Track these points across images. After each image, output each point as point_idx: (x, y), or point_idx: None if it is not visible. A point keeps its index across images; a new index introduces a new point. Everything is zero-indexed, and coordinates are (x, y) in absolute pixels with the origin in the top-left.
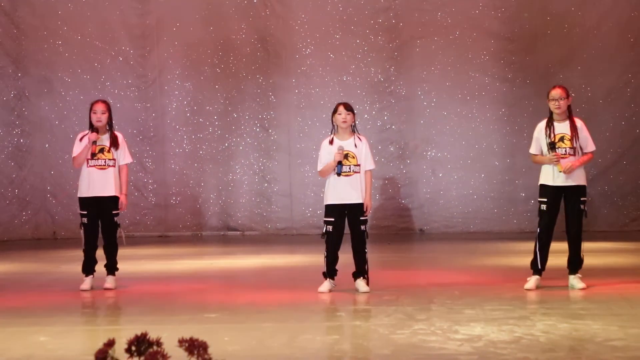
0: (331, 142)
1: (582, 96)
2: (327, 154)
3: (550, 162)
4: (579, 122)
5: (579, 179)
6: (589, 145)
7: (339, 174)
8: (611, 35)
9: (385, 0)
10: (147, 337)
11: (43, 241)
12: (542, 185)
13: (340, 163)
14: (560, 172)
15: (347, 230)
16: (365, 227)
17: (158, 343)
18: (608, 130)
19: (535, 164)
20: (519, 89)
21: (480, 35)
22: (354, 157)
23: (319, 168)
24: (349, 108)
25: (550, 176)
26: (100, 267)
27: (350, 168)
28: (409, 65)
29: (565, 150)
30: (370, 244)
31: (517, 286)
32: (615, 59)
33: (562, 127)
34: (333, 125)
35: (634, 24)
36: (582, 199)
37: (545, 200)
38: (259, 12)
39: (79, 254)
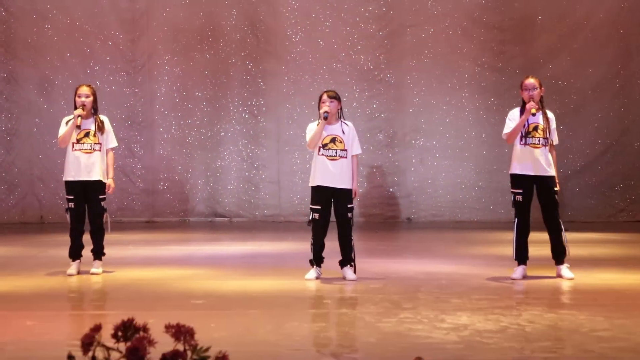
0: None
1: (571, 87)
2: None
3: (527, 113)
4: (550, 114)
5: (548, 169)
6: (555, 139)
7: (325, 119)
8: (601, 26)
9: None
10: (134, 322)
11: (30, 225)
12: (513, 175)
13: (326, 113)
14: (533, 113)
15: (332, 218)
16: (352, 215)
17: (144, 329)
18: (597, 121)
19: (510, 148)
20: (508, 78)
21: (471, 25)
22: (341, 142)
23: (308, 139)
24: (333, 96)
25: (521, 165)
26: (87, 252)
27: (336, 152)
28: (399, 54)
29: (539, 140)
30: (358, 232)
31: (504, 276)
32: (605, 50)
33: (535, 118)
34: (319, 113)
35: (624, 16)
36: (554, 188)
37: (519, 190)
38: None
39: (66, 239)
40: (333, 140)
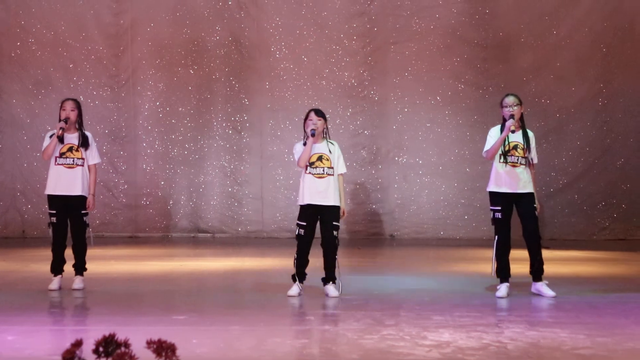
0: (305, 144)
1: (554, 105)
2: (302, 149)
3: (507, 130)
4: (530, 133)
5: (527, 186)
6: (534, 157)
7: (313, 135)
8: (584, 44)
9: (360, 5)
10: (115, 338)
11: (12, 240)
12: (492, 193)
13: (313, 130)
14: (513, 130)
15: (317, 234)
16: (337, 233)
17: (126, 344)
18: (579, 139)
19: (490, 161)
20: (491, 96)
21: (454, 42)
22: (327, 160)
23: (297, 158)
24: (319, 114)
25: (500, 183)
26: (68, 267)
27: (324, 170)
28: (383, 70)
29: (518, 159)
30: (340, 248)
31: (486, 293)
32: (587, 69)
33: (515, 136)
34: (305, 131)
35: (606, 34)
36: (534, 205)
37: (499, 208)
38: (233, 14)
39: (48, 253)
40: (320, 158)
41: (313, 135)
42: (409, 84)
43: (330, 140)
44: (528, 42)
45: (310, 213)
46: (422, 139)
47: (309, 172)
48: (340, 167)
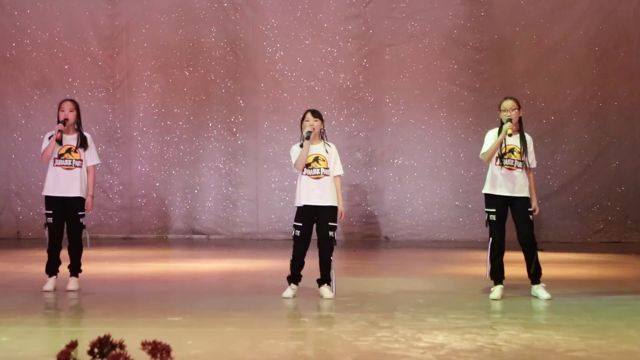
0: (302, 146)
1: (549, 107)
2: (298, 151)
3: (504, 133)
4: (528, 137)
5: (522, 190)
6: (533, 162)
7: (308, 138)
8: (579, 47)
9: (355, 7)
10: (110, 339)
11: (6, 241)
12: (487, 195)
13: (309, 132)
14: (510, 133)
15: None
16: (334, 234)
17: (121, 345)
18: (574, 142)
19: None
20: (486, 98)
21: (450, 45)
22: (324, 161)
23: (294, 161)
24: (316, 114)
25: (495, 186)
26: (63, 268)
27: (320, 171)
28: (378, 73)
29: (514, 163)
30: (336, 250)
31: (481, 295)
32: (582, 72)
33: (512, 140)
34: (302, 132)
35: (601, 37)
36: (529, 209)
37: (493, 210)
38: (229, 16)
39: (43, 254)
40: (316, 159)
41: (308, 138)
42: (404, 86)
43: (328, 142)
44: (523, 45)
45: (307, 214)
46: (417, 141)
47: (306, 174)
48: (337, 169)
